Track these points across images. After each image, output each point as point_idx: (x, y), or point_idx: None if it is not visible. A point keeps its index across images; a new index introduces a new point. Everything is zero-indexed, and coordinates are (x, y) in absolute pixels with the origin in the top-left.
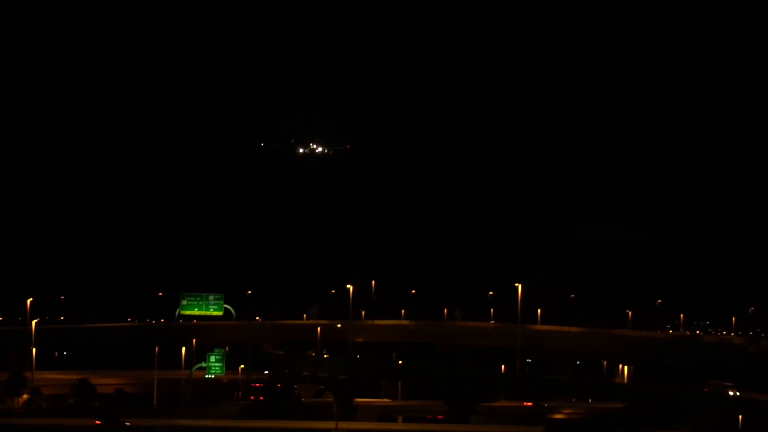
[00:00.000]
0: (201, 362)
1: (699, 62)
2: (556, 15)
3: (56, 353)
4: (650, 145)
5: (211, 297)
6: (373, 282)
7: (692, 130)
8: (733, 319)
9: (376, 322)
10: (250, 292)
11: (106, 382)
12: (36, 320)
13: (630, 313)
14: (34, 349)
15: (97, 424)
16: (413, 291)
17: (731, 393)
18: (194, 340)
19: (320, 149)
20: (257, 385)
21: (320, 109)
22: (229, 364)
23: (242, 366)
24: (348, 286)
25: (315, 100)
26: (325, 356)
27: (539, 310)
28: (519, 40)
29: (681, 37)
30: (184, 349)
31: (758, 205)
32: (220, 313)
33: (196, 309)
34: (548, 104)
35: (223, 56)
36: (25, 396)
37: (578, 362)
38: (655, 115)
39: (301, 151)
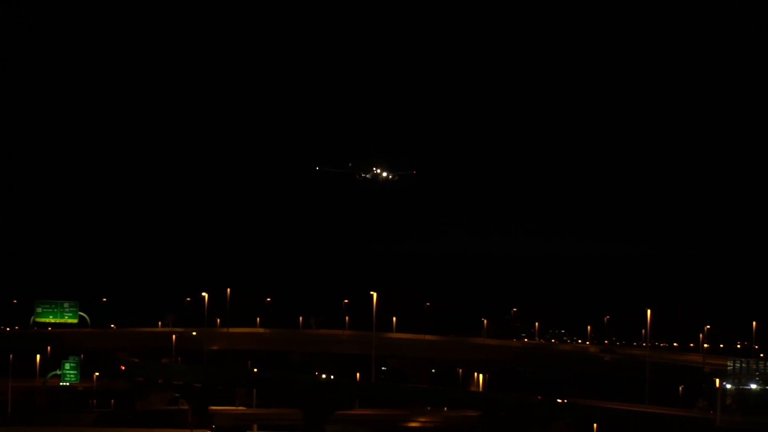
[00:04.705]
0: (56, 370)
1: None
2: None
3: None
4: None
5: (66, 304)
6: (228, 290)
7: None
8: (589, 328)
9: (232, 330)
10: (105, 299)
11: None
12: None
13: (485, 321)
14: None
15: None
16: (268, 299)
17: None
18: (49, 348)
19: (385, 174)
20: None
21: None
22: (85, 371)
23: (97, 373)
24: (203, 293)
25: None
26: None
27: (394, 319)
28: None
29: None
30: (39, 356)
31: (609, 218)
32: (75, 321)
33: (50, 316)
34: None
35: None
36: None
37: (433, 370)
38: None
39: (362, 176)
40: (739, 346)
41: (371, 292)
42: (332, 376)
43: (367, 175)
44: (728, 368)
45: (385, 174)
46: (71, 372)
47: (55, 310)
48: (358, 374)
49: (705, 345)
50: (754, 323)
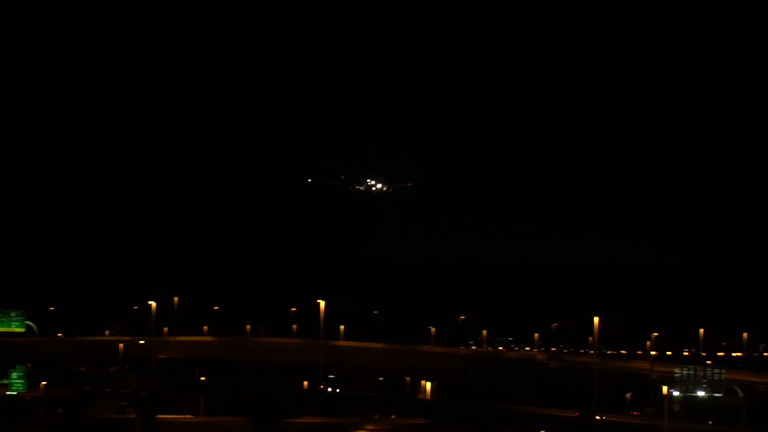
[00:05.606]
0: (3, 379)
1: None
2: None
3: None
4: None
5: (13, 313)
6: (176, 298)
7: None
8: (536, 335)
9: (179, 338)
10: (52, 308)
11: None
12: None
13: (433, 329)
14: None
15: None
16: (216, 307)
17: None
18: None
19: (379, 186)
20: None
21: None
22: (32, 380)
23: (44, 382)
24: (150, 302)
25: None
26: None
27: (342, 327)
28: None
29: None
30: None
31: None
32: (22, 330)
33: None
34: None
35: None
36: None
37: (381, 378)
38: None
39: (357, 187)
40: (686, 353)
41: (318, 300)
42: (280, 384)
43: (361, 187)
44: (676, 375)
45: (379, 186)
46: (18, 381)
47: (2, 319)
48: (305, 382)
49: (652, 352)
50: (701, 330)
